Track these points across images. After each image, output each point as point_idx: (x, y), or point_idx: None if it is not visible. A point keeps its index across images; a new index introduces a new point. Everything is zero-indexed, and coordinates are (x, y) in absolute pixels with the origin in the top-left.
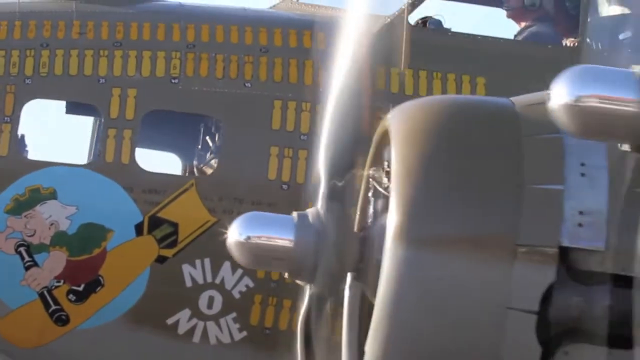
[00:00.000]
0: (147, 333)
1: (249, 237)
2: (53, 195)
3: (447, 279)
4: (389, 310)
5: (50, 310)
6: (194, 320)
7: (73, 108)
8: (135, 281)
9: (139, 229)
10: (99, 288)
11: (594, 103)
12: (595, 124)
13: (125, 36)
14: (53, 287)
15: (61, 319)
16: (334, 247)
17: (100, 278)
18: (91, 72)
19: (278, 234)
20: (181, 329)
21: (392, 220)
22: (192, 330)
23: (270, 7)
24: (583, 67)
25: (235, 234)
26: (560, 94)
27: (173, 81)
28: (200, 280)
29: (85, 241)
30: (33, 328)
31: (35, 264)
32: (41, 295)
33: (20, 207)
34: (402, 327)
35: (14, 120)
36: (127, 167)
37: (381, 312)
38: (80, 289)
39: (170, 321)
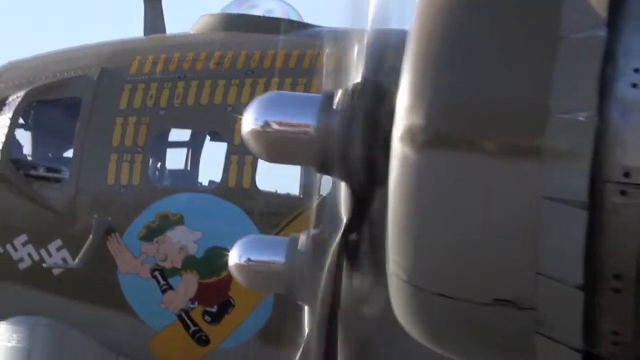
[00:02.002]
0: (282, 351)
1: (248, 260)
2: (181, 221)
3: None
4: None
5: (190, 331)
6: None
7: (213, 136)
8: (263, 301)
9: None
10: (230, 309)
11: (276, 129)
12: (279, 149)
13: (258, 65)
14: (189, 309)
15: (202, 339)
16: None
17: (230, 299)
18: (220, 101)
19: (271, 257)
20: None
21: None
22: None
23: None
24: (271, 94)
25: (235, 257)
26: (247, 121)
27: None
28: None
29: (213, 264)
30: (179, 348)
31: (171, 287)
32: (180, 317)
33: (152, 233)
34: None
35: (146, 151)
36: (248, 191)
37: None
38: (214, 310)
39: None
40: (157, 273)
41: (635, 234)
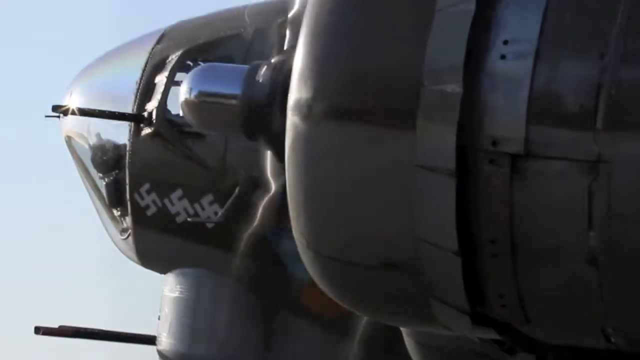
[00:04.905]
0: None
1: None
2: None
3: None
4: None
5: None
6: None
7: None
8: None
9: None
10: None
11: (206, 99)
12: (208, 118)
13: None
14: None
15: None
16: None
17: None
18: None
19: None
20: None
21: None
22: None
23: None
24: (203, 65)
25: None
26: (182, 92)
27: None
28: None
29: None
30: (329, 300)
31: None
32: None
33: None
34: None
35: None
36: None
37: None
38: None
39: None
40: None
41: (505, 201)
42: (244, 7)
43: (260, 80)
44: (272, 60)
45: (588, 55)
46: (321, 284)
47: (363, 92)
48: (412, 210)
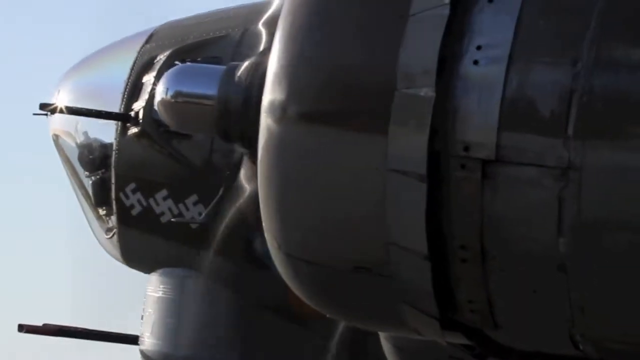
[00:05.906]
0: None
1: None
2: None
3: None
4: None
5: None
6: None
7: None
8: None
9: None
10: None
11: (182, 99)
12: (185, 119)
13: None
14: None
15: None
16: None
17: None
18: None
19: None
20: None
21: None
22: None
23: None
24: (181, 65)
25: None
26: (158, 92)
27: None
28: None
29: None
30: None
31: None
32: None
33: None
34: None
35: None
36: None
37: None
38: None
39: None
40: None
41: (476, 206)
42: (233, 8)
43: (236, 81)
44: (249, 61)
45: (561, 62)
46: (292, 286)
47: (336, 95)
48: (384, 213)
